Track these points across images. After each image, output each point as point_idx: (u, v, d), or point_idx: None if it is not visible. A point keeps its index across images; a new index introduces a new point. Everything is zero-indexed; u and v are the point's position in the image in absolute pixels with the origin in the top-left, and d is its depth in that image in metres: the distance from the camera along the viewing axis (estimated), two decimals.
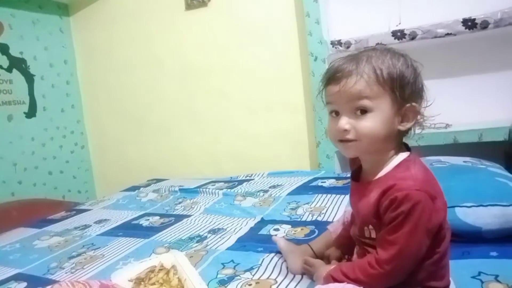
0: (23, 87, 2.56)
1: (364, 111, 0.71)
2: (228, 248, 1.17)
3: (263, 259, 1.04)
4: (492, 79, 1.83)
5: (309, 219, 1.35)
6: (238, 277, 0.97)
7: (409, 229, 0.67)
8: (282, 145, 2.34)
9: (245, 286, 0.92)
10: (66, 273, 1.15)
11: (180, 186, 2.03)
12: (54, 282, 1.04)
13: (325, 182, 1.74)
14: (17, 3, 2.53)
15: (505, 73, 1.81)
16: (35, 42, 2.65)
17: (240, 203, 1.65)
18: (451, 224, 0.77)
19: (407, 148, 0.78)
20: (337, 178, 1.77)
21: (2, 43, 2.44)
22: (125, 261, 1.18)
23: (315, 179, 1.82)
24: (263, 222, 1.38)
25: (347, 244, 0.91)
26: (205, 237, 1.29)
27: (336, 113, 0.74)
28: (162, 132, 2.70)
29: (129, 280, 0.97)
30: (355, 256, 0.85)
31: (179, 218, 1.56)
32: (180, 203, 1.79)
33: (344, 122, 0.72)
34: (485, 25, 1.66)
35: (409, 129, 0.76)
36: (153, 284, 0.94)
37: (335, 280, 0.76)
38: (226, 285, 0.93)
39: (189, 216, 1.57)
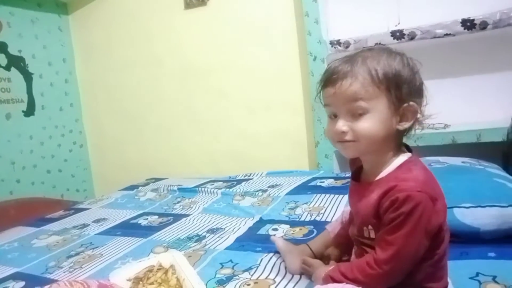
0: (21, 85, 2.55)
1: (361, 112, 0.71)
2: (226, 248, 1.17)
3: (262, 259, 1.04)
4: (490, 79, 1.84)
5: (307, 219, 1.35)
6: (237, 277, 0.97)
7: (409, 230, 0.67)
8: (281, 145, 2.34)
9: (243, 286, 0.92)
10: (64, 272, 1.14)
11: (178, 185, 2.03)
12: (52, 281, 1.04)
13: (323, 182, 1.75)
14: (15, 1, 2.52)
15: (503, 74, 1.81)
16: (34, 40, 2.64)
17: (238, 202, 1.65)
18: (449, 225, 0.77)
19: (408, 149, 0.78)
20: (336, 178, 1.77)
21: (1, 41, 2.44)
22: (123, 260, 1.18)
23: (314, 179, 1.82)
24: (261, 222, 1.38)
25: (346, 243, 0.91)
26: (204, 237, 1.29)
27: (334, 115, 0.75)
28: (161, 131, 2.70)
29: (127, 280, 0.97)
30: (353, 256, 0.85)
31: (177, 217, 1.56)
32: (178, 202, 1.79)
33: (341, 124, 0.72)
34: (484, 25, 1.66)
35: (409, 128, 0.75)
36: (152, 283, 0.94)
37: (334, 280, 0.76)
38: (224, 285, 0.93)
39: (187, 215, 1.57)
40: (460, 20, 1.69)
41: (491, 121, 1.75)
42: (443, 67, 1.88)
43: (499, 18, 1.64)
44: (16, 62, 2.52)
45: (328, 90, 0.74)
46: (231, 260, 1.07)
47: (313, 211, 1.40)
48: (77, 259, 1.23)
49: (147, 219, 1.59)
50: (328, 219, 1.30)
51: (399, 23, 1.90)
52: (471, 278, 0.84)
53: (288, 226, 1.30)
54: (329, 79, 0.74)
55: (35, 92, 2.62)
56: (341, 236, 0.95)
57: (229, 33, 2.37)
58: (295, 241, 1.08)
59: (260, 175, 2.09)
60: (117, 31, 2.72)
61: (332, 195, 1.54)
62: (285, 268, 0.97)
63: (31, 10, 2.62)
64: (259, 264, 1.02)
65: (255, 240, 1.20)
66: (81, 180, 2.93)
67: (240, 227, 1.35)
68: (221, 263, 1.06)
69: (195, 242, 1.26)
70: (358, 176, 0.83)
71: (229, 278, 0.96)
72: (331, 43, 2.00)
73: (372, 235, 0.75)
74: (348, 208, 1.00)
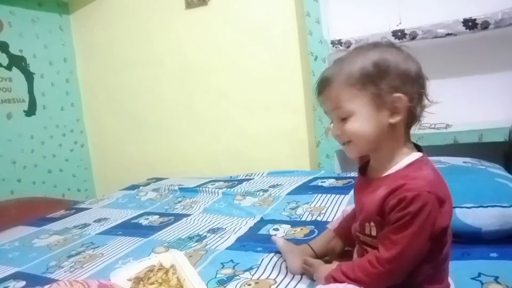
0: (22, 85, 2.55)
1: (345, 116, 0.73)
2: (227, 248, 1.17)
3: (263, 259, 1.04)
4: (492, 79, 1.83)
5: (308, 219, 1.35)
6: (237, 277, 0.96)
7: (415, 231, 0.66)
8: (282, 144, 2.34)
9: (244, 286, 0.92)
10: (65, 272, 1.14)
11: (179, 185, 2.03)
12: (53, 281, 1.04)
13: (325, 182, 1.74)
14: (16, 1, 2.52)
15: (505, 74, 1.81)
16: (35, 40, 2.64)
17: (239, 202, 1.65)
18: (451, 225, 0.76)
19: (419, 149, 0.77)
20: (337, 178, 1.77)
21: (2, 41, 2.44)
22: (124, 260, 1.18)
23: (315, 179, 1.82)
24: (262, 222, 1.38)
25: (349, 235, 0.89)
26: (205, 237, 1.29)
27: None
28: (161, 131, 2.70)
29: (128, 280, 0.97)
30: (355, 256, 0.84)
31: (178, 217, 1.55)
32: (179, 202, 1.79)
33: (335, 128, 0.76)
34: (485, 25, 1.66)
35: (410, 121, 0.74)
36: (152, 283, 0.94)
37: (336, 280, 0.75)
38: (225, 285, 0.93)
39: (188, 215, 1.57)
40: (462, 20, 1.69)
41: (493, 121, 1.75)
42: (445, 67, 1.88)
43: (501, 17, 1.63)
44: (17, 62, 2.52)
45: (318, 99, 0.79)
46: (232, 260, 1.07)
47: (314, 211, 1.40)
48: (77, 258, 1.23)
49: (148, 219, 1.59)
50: (329, 219, 1.29)
51: (400, 23, 1.90)
52: (473, 278, 0.83)
53: (289, 226, 1.30)
54: (316, 89, 0.78)
55: (36, 91, 2.62)
56: (344, 228, 0.94)
57: (230, 33, 2.37)
58: (296, 241, 1.07)
59: (261, 175, 2.09)
60: (118, 30, 2.72)
61: (333, 195, 1.53)
62: (286, 268, 0.97)
63: (32, 10, 2.63)
64: (260, 264, 1.02)
65: (256, 240, 1.20)
66: (82, 179, 2.93)
67: (241, 227, 1.35)
68: (222, 263, 1.05)
69: (196, 242, 1.26)
70: (365, 170, 0.82)
71: (230, 278, 0.96)
72: (332, 42, 2.00)
73: (373, 232, 0.74)
74: (349, 208, 1.00)
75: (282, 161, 2.32)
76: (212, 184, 1.99)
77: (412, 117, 0.73)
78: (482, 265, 0.88)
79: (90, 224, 1.61)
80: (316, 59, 2.03)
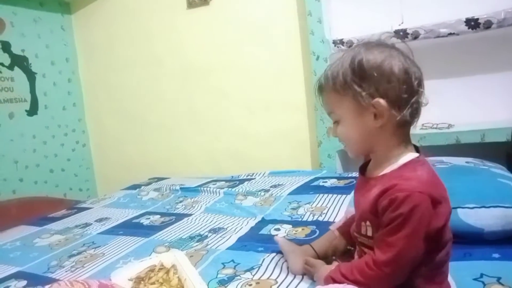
0: (24, 84, 2.56)
1: (336, 120, 0.78)
2: (228, 248, 1.16)
3: (264, 259, 1.04)
4: (495, 79, 1.82)
5: (310, 219, 1.34)
6: (238, 277, 0.96)
7: (409, 232, 0.66)
8: (283, 144, 2.33)
9: (245, 286, 0.92)
10: (66, 271, 1.14)
11: (181, 185, 2.03)
12: (54, 280, 1.04)
13: (326, 182, 1.74)
14: (18, 0, 2.52)
15: (508, 73, 1.80)
16: (37, 39, 2.64)
17: (241, 202, 1.64)
18: (453, 225, 0.76)
19: (416, 150, 0.77)
20: (339, 178, 1.76)
21: (4, 40, 2.44)
22: (125, 260, 1.17)
23: (317, 178, 1.82)
24: (263, 222, 1.38)
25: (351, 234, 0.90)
26: (206, 237, 1.29)
27: None
28: (162, 131, 2.70)
29: (129, 279, 0.97)
30: (356, 257, 0.84)
31: (179, 217, 1.55)
32: (181, 202, 1.79)
33: (332, 131, 0.80)
34: (488, 25, 1.65)
35: (408, 123, 0.72)
36: (153, 283, 0.93)
37: (335, 281, 0.75)
38: (226, 285, 0.93)
39: (189, 215, 1.57)
40: (464, 19, 1.68)
41: (495, 121, 1.74)
42: (447, 66, 1.87)
43: (503, 17, 1.62)
44: (19, 62, 2.53)
45: (319, 101, 0.82)
46: (233, 260, 1.07)
47: (316, 211, 1.40)
48: (79, 258, 1.23)
49: (149, 218, 1.59)
50: (331, 219, 1.29)
51: (402, 22, 1.89)
52: (475, 279, 0.83)
53: (291, 226, 1.29)
54: (316, 93, 0.81)
55: (38, 91, 2.63)
56: (348, 226, 0.94)
57: (232, 33, 2.37)
58: (297, 241, 1.07)
59: (263, 175, 2.08)
60: (120, 30, 2.72)
61: (334, 195, 1.53)
62: (287, 268, 0.97)
63: (34, 10, 2.63)
64: (261, 264, 1.01)
65: (257, 240, 1.20)
66: (83, 179, 2.93)
67: (242, 227, 1.34)
68: (223, 263, 1.05)
69: (197, 242, 1.26)
70: (365, 170, 0.83)
71: (230, 278, 0.96)
72: (334, 42, 1.99)
73: (369, 232, 0.74)
74: (352, 208, 1.00)
75: (283, 161, 2.32)
76: (213, 184, 1.99)
77: (400, 119, 0.70)
78: (484, 266, 0.88)
79: (92, 223, 1.61)
80: (318, 59, 2.03)
